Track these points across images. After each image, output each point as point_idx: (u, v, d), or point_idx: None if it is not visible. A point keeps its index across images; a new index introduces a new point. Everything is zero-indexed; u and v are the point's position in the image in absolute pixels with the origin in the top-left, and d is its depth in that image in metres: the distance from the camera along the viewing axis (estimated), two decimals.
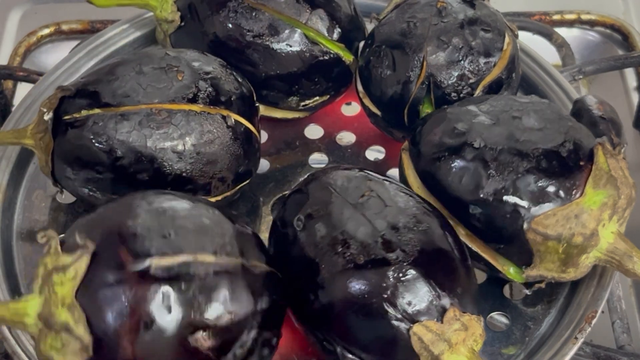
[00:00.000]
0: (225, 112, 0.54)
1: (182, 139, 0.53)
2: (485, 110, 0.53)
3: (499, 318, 0.55)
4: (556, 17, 0.83)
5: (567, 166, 0.49)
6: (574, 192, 0.49)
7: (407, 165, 0.55)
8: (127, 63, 0.55)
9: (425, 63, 0.57)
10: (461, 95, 0.57)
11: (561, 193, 0.49)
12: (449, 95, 0.57)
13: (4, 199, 0.60)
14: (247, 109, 0.56)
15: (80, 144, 0.53)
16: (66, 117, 0.53)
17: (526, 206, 0.49)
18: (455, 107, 0.54)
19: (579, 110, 0.57)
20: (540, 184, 0.49)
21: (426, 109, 0.58)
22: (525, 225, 0.49)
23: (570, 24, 0.84)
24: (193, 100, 0.53)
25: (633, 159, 0.75)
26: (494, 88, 0.58)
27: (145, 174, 0.53)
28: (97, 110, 0.53)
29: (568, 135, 0.50)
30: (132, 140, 0.52)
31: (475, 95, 0.57)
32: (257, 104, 0.59)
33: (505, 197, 0.49)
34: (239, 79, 0.58)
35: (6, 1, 0.87)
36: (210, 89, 0.54)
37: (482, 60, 0.57)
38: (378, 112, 0.61)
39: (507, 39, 0.59)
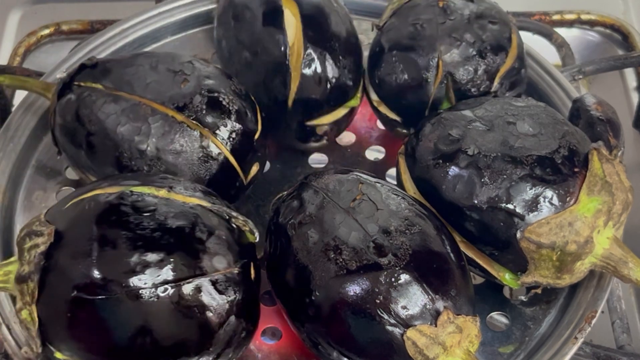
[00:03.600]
0: (205, 132, 0.53)
1: (149, 138, 0.53)
2: (480, 115, 0.53)
3: (498, 318, 0.55)
4: (556, 17, 0.83)
5: (561, 173, 0.49)
6: (567, 200, 0.49)
7: (404, 170, 0.55)
8: (151, 57, 0.57)
9: (440, 62, 0.57)
10: (480, 89, 0.57)
11: (555, 201, 0.48)
12: (468, 91, 0.57)
13: (4, 199, 0.60)
14: (238, 144, 0.55)
15: (69, 109, 0.55)
16: (75, 83, 0.55)
17: (519, 214, 0.48)
18: (450, 112, 0.54)
19: (578, 110, 0.57)
20: (533, 192, 0.48)
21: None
22: (518, 234, 0.48)
23: (570, 24, 0.84)
24: (180, 109, 0.53)
25: (633, 159, 0.75)
26: (510, 78, 0.58)
27: (108, 157, 0.54)
28: (98, 86, 0.54)
29: (563, 140, 0.50)
30: (107, 121, 0.53)
31: (493, 86, 0.58)
32: (256, 152, 0.57)
33: (498, 205, 0.49)
34: (247, 118, 0.56)
35: (6, 1, 0.87)
36: (202, 106, 0.54)
37: (495, 52, 0.58)
38: (397, 118, 0.61)
39: (512, 29, 0.59)
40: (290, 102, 0.59)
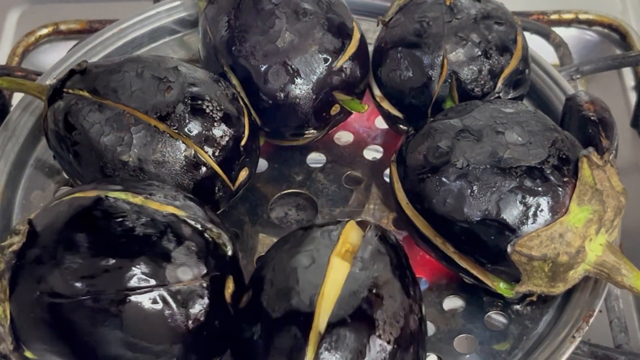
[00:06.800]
0: (188, 142, 0.53)
1: (131, 149, 0.52)
2: (469, 124, 0.52)
3: (497, 317, 0.55)
4: (554, 16, 0.83)
5: (550, 183, 0.48)
6: (557, 211, 0.48)
7: (396, 179, 0.55)
8: (138, 62, 0.56)
9: (445, 61, 0.57)
10: (484, 89, 0.58)
11: (545, 213, 0.48)
12: (472, 91, 0.58)
13: (3, 199, 0.60)
14: (222, 152, 0.54)
15: (58, 116, 0.54)
16: (64, 89, 0.55)
17: (510, 227, 0.48)
18: (439, 122, 0.53)
19: (570, 109, 0.57)
20: (522, 205, 0.48)
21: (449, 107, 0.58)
22: (509, 248, 0.48)
23: (568, 23, 0.84)
24: (163, 118, 0.52)
25: (630, 159, 0.75)
26: (514, 80, 0.59)
27: (93, 167, 0.53)
28: (85, 93, 0.54)
29: (552, 149, 0.50)
30: (92, 131, 0.53)
31: (497, 87, 0.58)
32: (244, 158, 0.56)
33: (488, 219, 0.49)
34: (232, 124, 0.55)
35: (4, 1, 0.88)
36: (185, 115, 0.53)
37: (500, 53, 0.58)
38: (399, 115, 0.61)
39: (517, 30, 0.59)
40: None
